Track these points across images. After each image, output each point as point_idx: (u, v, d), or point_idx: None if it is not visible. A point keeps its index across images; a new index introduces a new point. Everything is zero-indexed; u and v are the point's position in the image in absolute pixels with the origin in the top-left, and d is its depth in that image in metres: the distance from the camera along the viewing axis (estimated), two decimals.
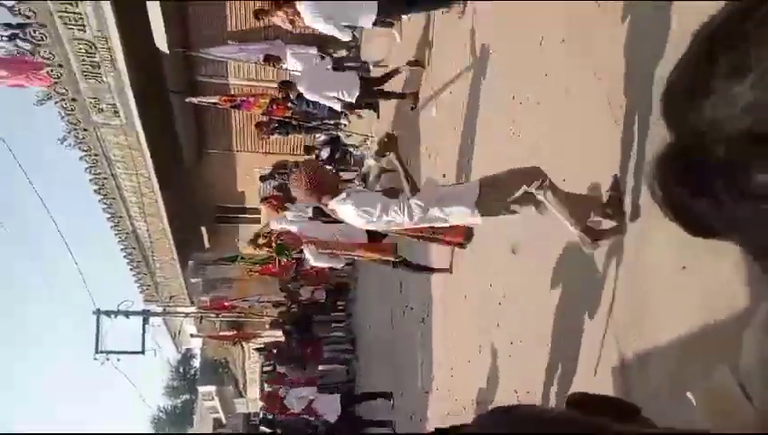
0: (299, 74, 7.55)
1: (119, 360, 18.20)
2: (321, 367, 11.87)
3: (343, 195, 3.07)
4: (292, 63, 8.25)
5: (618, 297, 3.00)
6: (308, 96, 7.12)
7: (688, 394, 0.67)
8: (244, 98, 9.23)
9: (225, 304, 14.20)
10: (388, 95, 7.41)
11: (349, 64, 7.84)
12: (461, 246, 4.63)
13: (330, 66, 7.46)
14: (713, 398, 0.61)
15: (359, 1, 5.81)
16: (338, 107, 7.13)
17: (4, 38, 9.31)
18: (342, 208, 3.08)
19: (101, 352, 17.73)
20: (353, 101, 6.81)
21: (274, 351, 13.30)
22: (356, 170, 10.22)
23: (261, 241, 9.42)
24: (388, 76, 7.28)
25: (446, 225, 3.34)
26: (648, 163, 0.47)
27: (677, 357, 2.48)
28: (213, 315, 15.28)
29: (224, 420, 26.09)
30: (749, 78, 0.36)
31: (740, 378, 0.56)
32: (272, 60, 8.33)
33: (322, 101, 7.03)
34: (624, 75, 3.03)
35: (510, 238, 4.37)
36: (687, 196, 0.43)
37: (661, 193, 0.45)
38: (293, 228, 6.92)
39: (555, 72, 3.82)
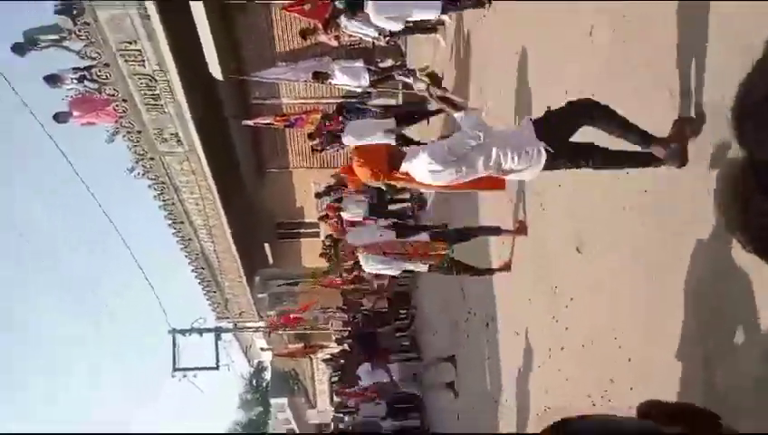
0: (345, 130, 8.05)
1: (195, 376, 18.97)
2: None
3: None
4: (341, 78, 8.37)
5: (694, 292, 2.82)
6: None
7: None
8: (297, 116, 9.44)
9: (291, 316, 14.50)
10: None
11: (399, 76, 7.90)
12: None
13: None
14: None
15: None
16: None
17: (74, 80, 9.95)
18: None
19: (178, 369, 18.53)
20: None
21: (342, 362, 13.45)
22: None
23: (321, 252, 9.61)
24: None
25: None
26: (723, 182, 0.43)
27: (759, 357, 2.30)
28: (280, 330, 15.65)
29: (297, 431, 26.58)
30: None
31: None
32: (320, 76, 8.48)
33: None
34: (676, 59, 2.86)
35: (575, 236, 4.21)
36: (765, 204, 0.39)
37: (740, 218, 0.42)
38: (349, 240, 6.99)
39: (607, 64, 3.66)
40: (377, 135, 7.47)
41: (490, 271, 5.92)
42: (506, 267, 5.67)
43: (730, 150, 2.42)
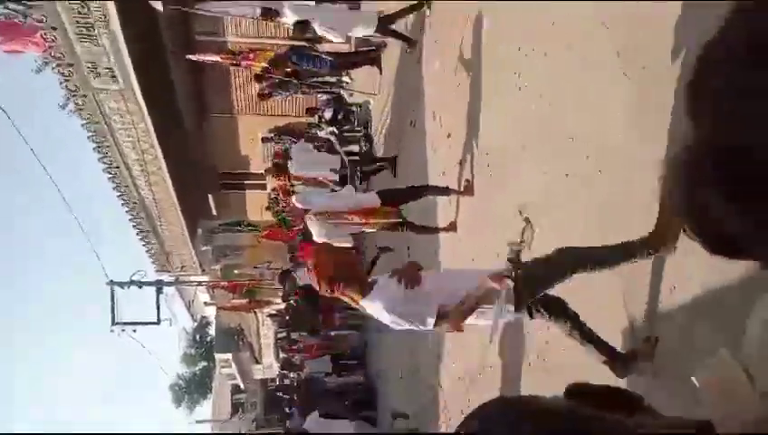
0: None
1: (135, 331, 18.70)
2: (332, 333, 12.04)
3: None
4: (291, 17, 8.03)
5: (629, 268, 2.90)
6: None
7: (693, 379, 0.68)
8: (244, 54, 9.06)
9: (237, 285, 14.38)
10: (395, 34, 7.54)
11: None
12: None
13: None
14: (717, 383, 0.63)
15: None
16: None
17: None
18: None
19: (117, 323, 18.20)
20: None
21: (287, 318, 13.52)
22: (359, 131, 10.07)
23: (266, 206, 9.46)
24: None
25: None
26: (666, 159, 0.40)
27: (683, 335, 2.40)
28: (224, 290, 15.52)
29: (242, 386, 26.86)
30: None
31: (742, 361, 0.57)
32: (270, 14, 8.11)
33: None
34: (634, 26, 2.85)
35: (517, 200, 4.26)
36: (717, 199, 0.36)
37: (684, 195, 0.39)
38: (298, 203, 6.90)
39: (562, 21, 3.62)
40: (322, 171, 8.20)
41: (436, 230, 5.99)
42: (452, 228, 5.74)
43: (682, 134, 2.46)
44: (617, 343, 2.93)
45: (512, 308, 2.73)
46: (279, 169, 9.10)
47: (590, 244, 3.08)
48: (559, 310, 2.86)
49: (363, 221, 5.53)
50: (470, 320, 2.79)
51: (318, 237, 5.79)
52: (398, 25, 7.45)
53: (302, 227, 8.64)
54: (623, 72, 2.94)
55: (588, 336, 2.82)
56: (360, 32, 7.08)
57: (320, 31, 6.82)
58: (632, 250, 2.61)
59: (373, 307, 2.85)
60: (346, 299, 2.98)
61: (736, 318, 2.01)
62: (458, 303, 2.73)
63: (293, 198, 7.41)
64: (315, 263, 2.90)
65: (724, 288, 2.10)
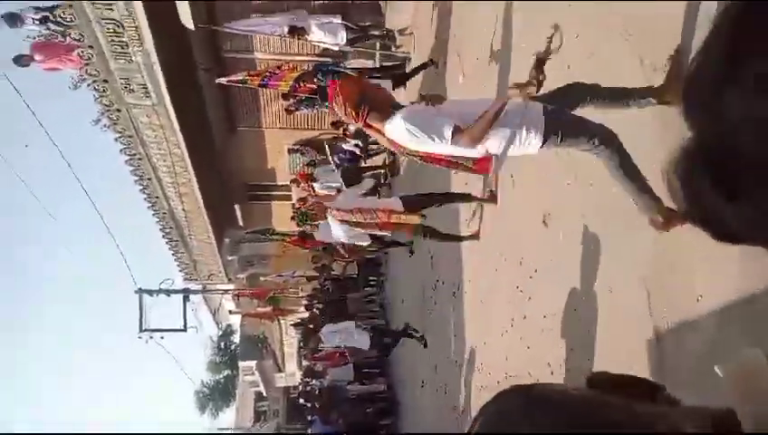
0: None
1: (162, 338, 18.93)
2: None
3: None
4: (317, 34, 8.18)
5: (652, 270, 2.90)
6: None
7: (716, 368, 0.66)
8: (272, 72, 9.20)
9: (263, 290, 14.50)
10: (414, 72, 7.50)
11: (374, 33, 7.74)
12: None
13: None
14: (741, 373, 0.62)
15: None
16: None
17: (35, 21, 9.53)
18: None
19: (145, 330, 18.44)
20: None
21: (311, 326, 13.56)
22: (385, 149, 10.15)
23: (292, 215, 9.56)
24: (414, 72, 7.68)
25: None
26: (668, 160, 0.42)
27: (711, 333, 2.39)
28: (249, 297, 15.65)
29: (264, 394, 26.93)
30: None
31: None
32: (297, 32, 8.28)
33: None
34: (655, 34, 2.86)
35: (541, 209, 4.27)
36: (712, 194, 0.38)
37: (683, 192, 0.41)
38: (321, 200, 6.96)
39: (585, 32, 3.65)
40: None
41: (459, 238, 5.99)
42: (475, 236, 5.74)
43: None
44: (641, 354, 2.92)
45: (538, 136, 2.62)
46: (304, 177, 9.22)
47: (611, 256, 3.09)
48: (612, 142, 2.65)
49: (386, 219, 5.50)
50: (491, 146, 2.69)
51: (336, 237, 5.82)
52: (421, 41, 7.53)
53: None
54: (647, 80, 2.95)
55: (641, 184, 2.63)
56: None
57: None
58: (631, 93, 2.71)
59: (394, 126, 2.75)
60: (372, 133, 2.93)
61: (765, 322, 2.00)
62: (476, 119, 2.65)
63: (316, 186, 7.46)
64: (342, 91, 2.82)
65: (757, 279, 2.07)
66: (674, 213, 2.52)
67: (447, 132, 2.65)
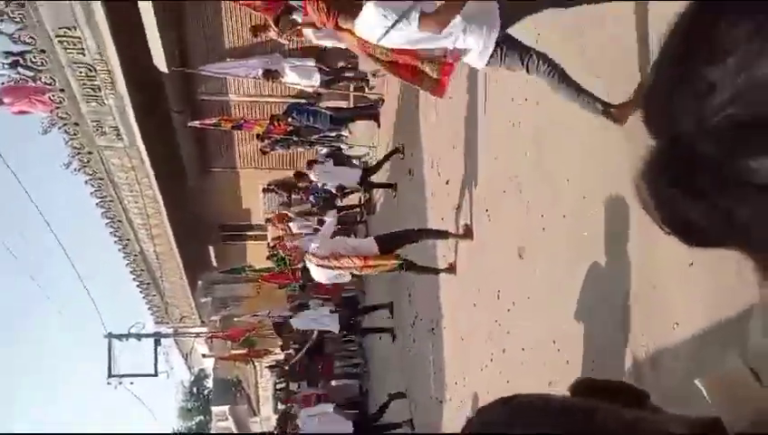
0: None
1: (132, 383, 18.24)
2: (333, 383, 11.80)
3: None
4: (291, 77, 8.30)
5: (628, 297, 2.95)
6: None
7: (696, 382, 0.66)
8: (246, 118, 9.29)
9: (237, 331, 14.16)
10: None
11: (348, 75, 7.89)
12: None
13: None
14: (724, 384, 0.61)
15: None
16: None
17: (5, 66, 9.45)
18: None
19: (114, 375, 17.76)
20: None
21: (286, 368, 13.25)
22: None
23: (266, 255, 9.46)
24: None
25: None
26: (634, 168, 0.44)
27: (689, 351, 2.42)
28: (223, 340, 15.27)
29: None
30: (730, 61, 0.34)
31: (749, 363, 0.57)
32: (271, 75, 8.38)
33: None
34: (622, 72, 2.99)
35: (516, 242, 4.32)
36: (679, 200, 0.40)
37: (652, 201, 0.43)
38: (297, 243, 6.92)
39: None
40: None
41: (436, 271, 6.01)
42: (452, 269, 5.76)
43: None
44: (622, 378, 2.94)
45: (491, 39, 2.80)
46: (280, 218, 9.17)
47: (587, 287, 3.14)
48: (546, 58, 2.90)
49: (362, 264, 5.52)
50: (456, 38, 2.82)
51: (318, 279, 5.80)
52: (393, 82, 7.68)
53: (300, 268, 8.64)
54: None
55: (577, 85, 2.91)
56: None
57: (315, 40, 6.86)
58: (590, 95, 2.90)
59: (365, 14, 2.82)
60: (342, 37, 3.01)
61: (743, 321, 2.03)
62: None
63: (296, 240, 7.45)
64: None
65: (730, 293, 2.12)
66: (623, 104, 2.85)
67: (416, 14, 2.76)
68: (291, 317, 9.52)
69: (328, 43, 7.44)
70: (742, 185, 0.35)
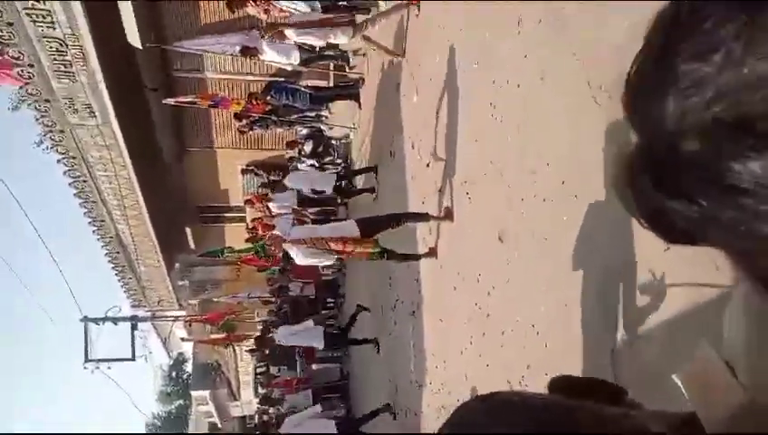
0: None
1: (109, 368, 18.16)
2: (314, 366, 11.85)
3: None
4: (270, 54, 8.15)
5: (607, 281, 2.98)
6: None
7: (674, 377, 0.66)
8: (223, 96, 9.14)
9: (216, 314, 14.11)
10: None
11: (328, 53, 7.78)
12: None
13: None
14: (699, 378, 0.61)
15: None
16: None
17: None
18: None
19: (90, 360, 17.66)
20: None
21: (266, 352, 13.28)
22: (340, 163, 10.16)
23: (247, 236, 9.40)
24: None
25: None
26: (615, 169, 0.43)
27: (665, 339, 2.47)
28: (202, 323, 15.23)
29: (219, 425, 26.06)
30: (715, 58, 0.33)
31: (724, 356, 0.56)
32: (249, 52, 8.22)
33: None
34: (603, 56, 2.99)
35: (496, 226, 4.34)
36: (661, 199, 0.39)
37: (632, 198, 0.42)
38: (277, 232, 6.88)
39: (534, 53, 3.77)
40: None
41: (416, 256, 6.03)
42: (433, 253, 5.78)
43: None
44: (600, 368, 2.99)
45: None
46: (259, 200, 9.11)
47: (566, 271, 3.16)
48: None
49: (342, 249, 5.53)
50: None
51: (299, 261, 5.77)
52: (374, 61, 7.63)
53: (280, 255, 8.61)
54: (594, 98, 3.07)
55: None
56: (341, 39, 6.99)
57: (298, 39, 6.78)
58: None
59: None
60: None
61: (718, 312, 2.08)
62: None
63: (275, 227, 7.40)
64: None
65: (706, 281, 2.15)
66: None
67: None
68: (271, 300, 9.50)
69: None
70: (726, 188, 0.34)
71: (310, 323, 9.00)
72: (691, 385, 0.63)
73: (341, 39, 6.64)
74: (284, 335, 8.71)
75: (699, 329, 2.11)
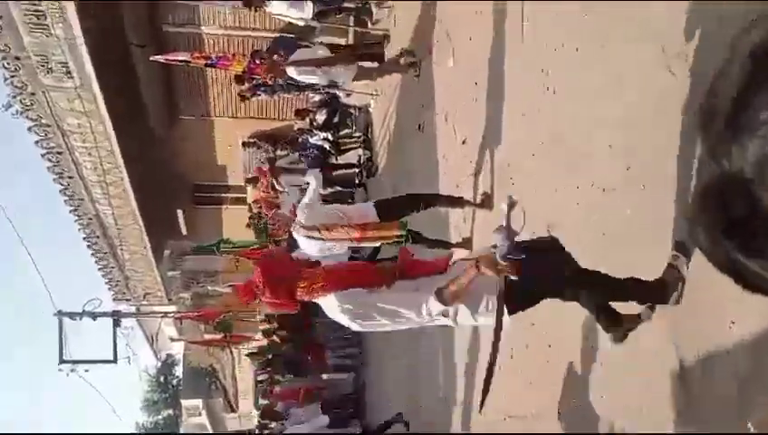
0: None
1: (87, 371, 18.55)
2: (324, 376, 12.01)
3: None
4: (279, 6, 8.18)
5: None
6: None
7: (749, 425, 0.73)
8: (221, 54, 9.18)
9: (211, 312, 14.32)
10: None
11: (347, 6, 7.78)
12: None
13: None
14: None
15: None
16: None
17: None
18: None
19: (66, 361, 18.05)
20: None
21: (269, 357, 13.48)
22: (359, 136, 10.17)
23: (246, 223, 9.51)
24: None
25: None
26: (690, 205, 0.45)
27: (742, 367, 2.45)
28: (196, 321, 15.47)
29: None
30: None
31: None
32: (252, 3, 8.26)
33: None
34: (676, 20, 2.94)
35: (545, 217, 4.32)
36: (734, 249, 0.42)
37: (706, 243, 0.44)
38: (286, 212, 6.92)
39: (594, 11, 3.73)
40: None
41: (448, 244, 5.98)
42: (467, 244, 5.77)
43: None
44: (664, 392, 2.99)
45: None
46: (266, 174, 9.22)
47: (633, 267, 3.15)
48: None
49: (359, 235, 5.52)
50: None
51: (307, 252, 5.78)
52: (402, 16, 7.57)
53: (287, 239, 8.69)
54: (668, 68, 3.02)
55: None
56: None
57: None
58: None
59: None
60: None
61: None
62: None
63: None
64: None
65: None
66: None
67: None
68: None
69: None
70: None
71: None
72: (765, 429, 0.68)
73: None
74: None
75: None
